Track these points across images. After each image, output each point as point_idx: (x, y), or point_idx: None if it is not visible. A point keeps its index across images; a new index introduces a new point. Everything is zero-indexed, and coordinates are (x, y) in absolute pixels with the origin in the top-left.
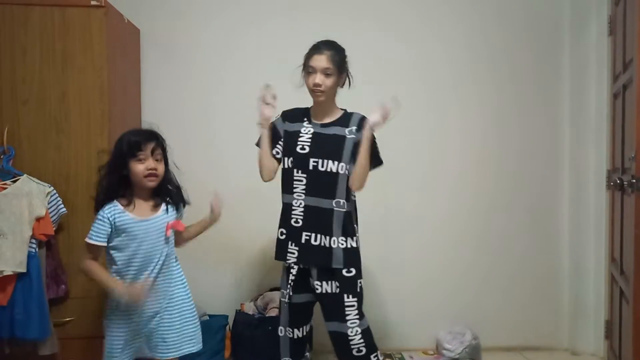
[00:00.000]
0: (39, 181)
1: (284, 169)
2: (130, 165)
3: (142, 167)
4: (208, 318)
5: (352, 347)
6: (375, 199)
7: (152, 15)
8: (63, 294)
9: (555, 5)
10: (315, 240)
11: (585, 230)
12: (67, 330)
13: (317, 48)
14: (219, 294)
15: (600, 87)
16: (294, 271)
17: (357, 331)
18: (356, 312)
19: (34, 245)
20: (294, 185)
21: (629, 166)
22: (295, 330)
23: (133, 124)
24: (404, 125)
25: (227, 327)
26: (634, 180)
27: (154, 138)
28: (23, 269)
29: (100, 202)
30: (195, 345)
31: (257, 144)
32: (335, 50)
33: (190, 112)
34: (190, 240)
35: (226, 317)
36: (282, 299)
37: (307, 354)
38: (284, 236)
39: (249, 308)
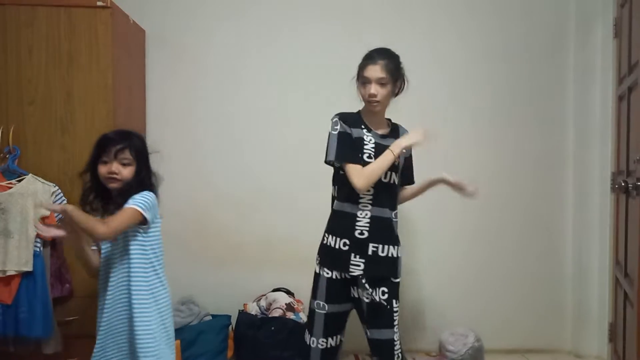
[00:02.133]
0: (44, 181)
1: (343, 175)
2: (97, 167)
3: (104, 169)
4: (211, 318)
5: (395, 352)
6: None
7: (157, 17)
8: (67, 293)
9: (560, 8)
10: (383, 252)
11: (590, 232)
12: (71, 328)
13: (370, 58)
14: (222, 294)
15: (605, 89)
16: (333, 281)
17: (398, 336)
18: (397, 317)
19: (39, 245)
20: (360, 195)
21: (634, 169)
22: (329, 339)
23: (137, 124)
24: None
25: (230, 327)
26: (639, 183)
27: (124, 140)
28: (29, 268)
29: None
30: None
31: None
32: (389, 59)
33: (195, 113)
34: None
35: (229, 317)
36: (317, 310)
37: None
38: (347, 247)
39: (252, 308)
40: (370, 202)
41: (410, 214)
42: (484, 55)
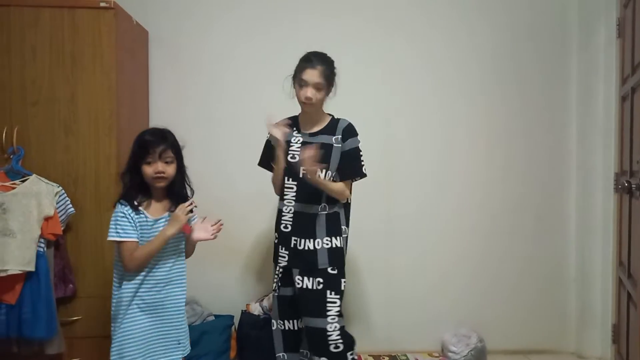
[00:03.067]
0: (47, 181)
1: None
2: (142, 167)
3: (150, 169)
4: (214, 318)
5: (330, 342)
6: (381, 202)
7: (160, 18)
8: (71, 294)
9: (563, 8)
10: (300, 245)
11: (593, 233)
12: (74, 329)
13: (309, 61)
14: (225, 294)
15: (609, 89)
16: (280, 267)
17: (335, 327)
18: (337, 310)
19: (43, 245)
20: (285, 193)
21: (638, 169)
22: (286, 322)
23: (141, 125)
24: (410, 129)
25: (233, 328)
26: None
27: (164, 140)
28: (31, 268)
29: (120, 198)
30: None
31: (260, 164)
32: (327, 65)
33: (198, 114)
34: (192, 248)
35: (232, 317)
36: (273, 293)
37: (305, 351)
38: (276, 240)
39: (255, 309)
40: (293, 198)
41: (411, 214)
42: (486, 55)
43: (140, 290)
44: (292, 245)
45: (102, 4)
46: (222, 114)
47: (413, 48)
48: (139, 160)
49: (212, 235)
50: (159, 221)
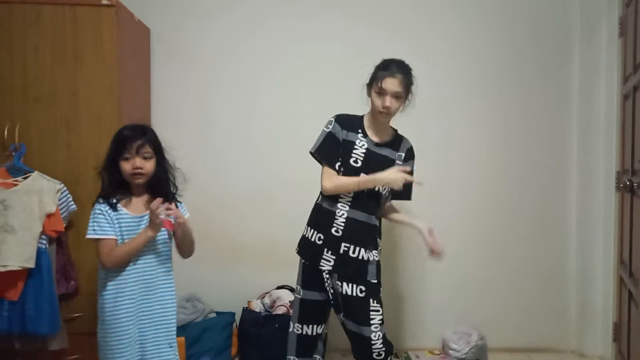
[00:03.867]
0: (49, 178)
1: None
2: (119, 164)
3: (128, 165)
4: (215, 315)
5: (374, 350)
6: None
7: (162, 15)
8: (72, 290)
9: (565, 7)
10: (354, 253)
11: (594, 231)
12: (76, 325)
13: (389, 70)
14: (226, 291)
15: (610, 88)
16: (325, 275)
17: (379, 336)
18: (380, 317)
19: (44, 242)
20: (340, 195)
21: (639, 168)
22: (305, 326)
23: (143, 122)
24: (409, 129)
25: (234, 325)
26: None
27: (142, 135)
28: (31, 265)
29: (99, 197)
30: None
31: (317, 153)
32: (408, 75)
33: (199, 112)
34: (187, 245)
35: (233, 314)
36: (295, 294)
37: (318, 356)
38: (321, 242)
39: (256, 306)
40: (349, 202)
41: (412, 211)
42: (489, 55)
43: (125, 294)
44: (341, 252)
45: (104, 2)
46: (223, 111)
47: (413, 47)
48: (117, 157)
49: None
50: (143, 218)
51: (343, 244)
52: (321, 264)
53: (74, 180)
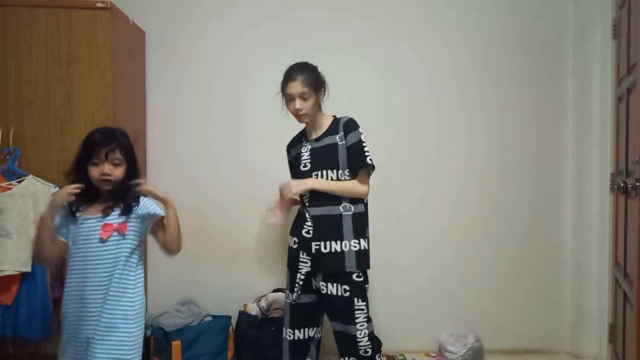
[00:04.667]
0: (44, 181)
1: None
2: (88, 168)
3: (96, 171)
4: (211, 319)
5: (360, 348)
6: (379, 201)
7: (157, 18)
8: None
9: (559, 9)
10: (326, 248)
11: (589, 233)
12: None
13: (289, 75)
14: (222, 294)
15: (604, 90)
16: (301, 274)
17: (365, 333)
18: (365, 315)
19: None
20: (304, 200)
21: (633, 169)
22: (296, 331)
23: (137, 125)
24: (408, 129)
25: (230, 328)
26: (638, 184)
27: (112, 140)
28: (27, 269)
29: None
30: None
31: None
32: (307, 73)
33: (195, 115)
34: (175, 243)
35: (229, 317)
36: (286, 300)
37: None
38: (296, 245)
39: (252, 309)
40: (308, 201)
41: (408, 214)
42: (483, 57)
43: (72, 299)
44: (313, 251)
45: (98, 4)
46: (219, 113)
47: (410, 49)
48: (85, 161)
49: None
50: (88, 220)
51: (314, 243)
52: (299, 267)
53: (68, 182)
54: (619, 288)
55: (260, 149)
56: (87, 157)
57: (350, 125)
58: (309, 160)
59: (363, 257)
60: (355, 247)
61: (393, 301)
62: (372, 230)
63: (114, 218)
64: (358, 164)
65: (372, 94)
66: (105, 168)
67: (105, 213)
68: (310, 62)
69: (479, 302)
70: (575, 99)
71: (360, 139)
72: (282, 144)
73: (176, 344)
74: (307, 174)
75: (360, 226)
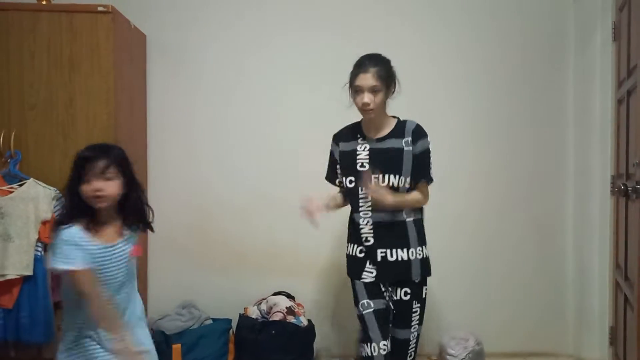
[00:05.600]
0: (45, 185)
1: (346, 189)
2: (81, 188)
3: (88, 189)
4: (212, 322)
5: (409, 351)
6: None
7: (158, 22)
8: None
9: (559, 12)
10: (392, 256)
11: (590, 236)
12: None
13: (361, 65)
14: (223, 297)
15: (605, 92)
16: (367, 284)
17: (414, 336)
18: (418, 317)
19: (40, 249)
20: (360, 204)
21: (634, 172)
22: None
23: (138, 129)
24: None
25: (231, 331)
26: (639, 186)
27: (104, 155)
28: (29, 272)
29: (57, 223)
30: None
31: (327, 179)
32: (380, 65)
33: (196, 118)
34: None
35: (230, 321)
36: (364, 311)
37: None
38: (362, 254)
39: (253, 312)
40: (369, 208)
41: None
42: (483, 60)
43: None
44: (379, 259)
45: (100, 9)
46: (220, 117)
47: (411, 54)
48: (77, 180)
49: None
50: (116, 247)
51: (379, 251)
52: (363, 276)
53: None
54: (620, 291)
55: (261, 153)
56: (79, 175)
57: (420, 133)
58: (367, 161)
59: (427, 265)
60: (420, 255)
61: None
62: None
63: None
64: (422, 175)
65: None
66: (95, 184)
67: (123, 235)
68: (383, 55)
69: (480, 305)
70: (576, 101)
71: (428, 149)
72: (281, 148)
73: (176, 347)
74: (361, 175)
75: (422, 233)
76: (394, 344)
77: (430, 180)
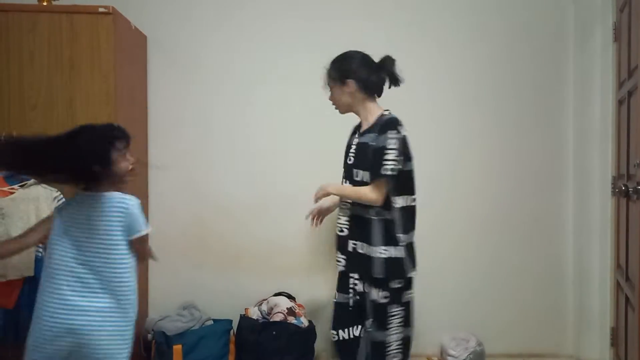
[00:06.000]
0: (46, 186)
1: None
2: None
3: (126, 164)
4: (212, 323)
5: (387, 353)
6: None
7: (159, 22)
8: None
9: (560, 12)
10: (361, 249)
11: (591, 236)
12: None
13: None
14: (223, 298)
15: (605, 93)
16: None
17: (393, 338)
18: (399, 320)
19: (41, 250)
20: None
21: (634, 172)
22: (340, 332)
23: (139, 130)
24: (410, 137)
25: (232, 332)
26: (639, 187)
27: (126, 135)
28: (30, 273)
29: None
30: None
31: None
32: (330, 66)
33: (197, 119)
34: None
35: (230, 321)
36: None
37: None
38: (335, 245)
39: (254, 313)
40: (348, 201)
41: None
42: (483, 61)
43: None
44: (350, 249)
45: (101, 9)
46: (220, 118)
47: (407, 53)
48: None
49: None
50: None
51: (351, 242)
52: (337, 265)
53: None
54: (621, 292)
55: (262, 154)
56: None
57: (386, 127)
58: (354, 155)
59: (393, 265)
60: (382, 254)
61: None
62: None
63: None
64: (373, 170)
65: None
66: (131, 159)
67: None
68: (342, 53)
69: (481, 306)
70: (576, 102)
71: (387, 145)
72: (283, 150)
73: (177, 348)
74: (349, 169)
75: (388, 233)
76: (372, 344)
77: (380, 176)
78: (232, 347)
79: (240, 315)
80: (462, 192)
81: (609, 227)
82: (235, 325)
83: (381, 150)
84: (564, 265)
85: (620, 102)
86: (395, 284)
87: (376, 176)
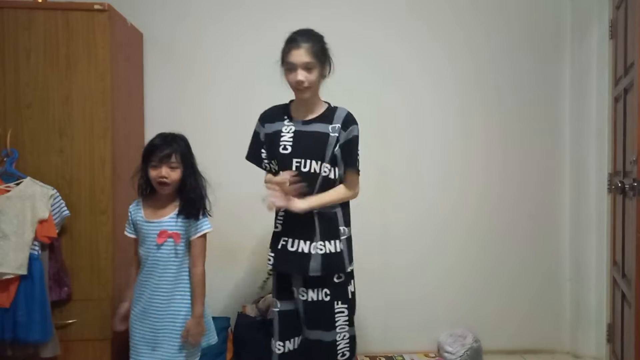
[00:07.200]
0: (42, 184)
1: (272, 173)
2: (148, 170)
3: (154, 173)
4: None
5: (339, 351)
6: (377, 203)
7: (155, 19)
8: (65, 297)
9: (556, 9)
10: (293, 246)
11: (587, 233)
12: (69, 332)
13: (293, 41)
14: (221, 296)
15: (602, 90)
16: (271, 274)
17: (344, 336)
18: (345, 318)
19: (37, 248)
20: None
21: (631, 169)
22: (287, 342)
23: (135, 127)
24: (405, 132)
25: (229, 329)
26: (636, 184)
27: (169, 145)
28: (23, 272)
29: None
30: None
31: (248, 158)
32: (313, 41)
33: (193, 116)
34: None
35: (228, 319)
36: (273, 308)
37: None
38: (270, 241)
39: (251, 310)
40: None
41: (407, 216)
42: (480, 57)
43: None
44: (279, 247)
45: (96, 7)
46: (217, 115)
47: (406, 50)
48: (146, 163)
49: None
50: (151, 224)
51: (282, 239)
52: (267, 264)
53: (66, 185)
54: (617, 288)
55: None
56: (147, 159)
57: (350, 121)
58: (290, 144)
59: (332, 260)
60: (321, 250)
61: (392, 302)
62: (369, 233)
63: (171, 225)
64: (349, 163)
65: (370, 96)
66: (163, 171)
67: (164, 216)
68: (315, 30)
69: (478, 303)
70: (573, 99)
71: (357, 138)
72: None
73: None
74: (286, 158)
75: (331, 227)
76: (321, 347)
77: (357, 170)
78: (229, 344)
79: (238, 312)
80: (457, 188)
81: (605, 224)
82: (233, 322)
83: (354, 143)
84: (560, 262)
85: (616, 99)
86: (341, 279)
87: (352, 167)
